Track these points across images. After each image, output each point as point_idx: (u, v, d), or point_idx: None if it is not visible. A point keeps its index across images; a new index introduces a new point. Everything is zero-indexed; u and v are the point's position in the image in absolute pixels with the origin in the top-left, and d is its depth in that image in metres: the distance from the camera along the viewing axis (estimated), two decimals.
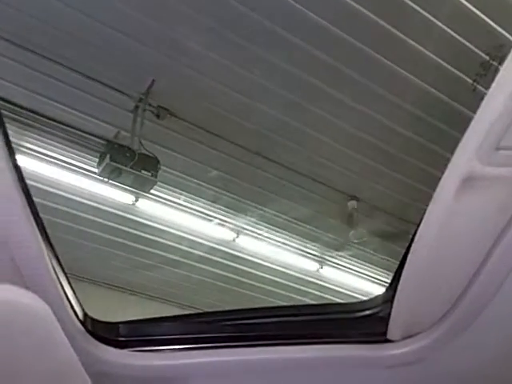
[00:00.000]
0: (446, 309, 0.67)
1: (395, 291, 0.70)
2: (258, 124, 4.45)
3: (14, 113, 4.02)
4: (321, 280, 6.17)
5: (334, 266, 6.05)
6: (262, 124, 4.46)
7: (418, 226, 0.65)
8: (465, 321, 0.66)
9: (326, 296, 6.33)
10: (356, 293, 6.28)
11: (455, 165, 0.60)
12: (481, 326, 0.65)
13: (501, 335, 0.66)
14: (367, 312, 0.78)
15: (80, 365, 0.60)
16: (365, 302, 0.83)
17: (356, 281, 6.16)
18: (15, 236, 0.57)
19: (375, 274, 6.08)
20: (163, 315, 1.06)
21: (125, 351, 0.81)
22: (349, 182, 5.03)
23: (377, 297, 0.80)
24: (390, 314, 0.73)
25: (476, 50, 3.75)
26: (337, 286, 6.24)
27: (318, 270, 6.05)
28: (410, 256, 0.66)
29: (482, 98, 0.58)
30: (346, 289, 6.27)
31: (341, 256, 5.97)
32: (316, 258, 5.95)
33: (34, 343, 0.51)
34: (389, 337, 0.75)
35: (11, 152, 0.62)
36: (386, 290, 0.78)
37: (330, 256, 5.95)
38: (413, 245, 0.66)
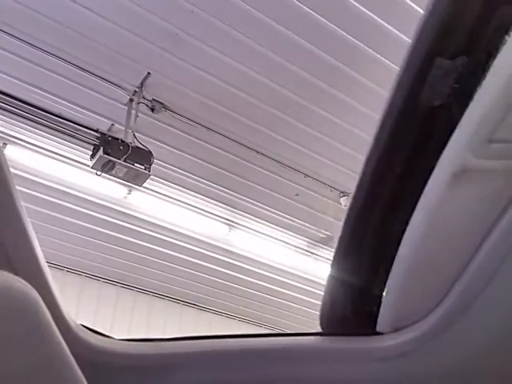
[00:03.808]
0: (436, 301, 0.67)
1: (385, 283, 0.70)
2: (253, 119, 4.45)
3: (7, 103, 4.00)
4: (314, 276, 6.18)
5: (327, 262, 6.06)
6: (257, 119, 4.46)
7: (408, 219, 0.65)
8: (455, 313, 0.66)
9: (320, 292, 6.35)
10: None
11: (447, 157, 0.60)
12: (472, 318, 0.66)
13: (492, 326, 0.66)
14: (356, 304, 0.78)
15: (69, 354, 0.59)
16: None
17: None
18: (3, 221, 0.57)
19: None
20: None
21: (116, 340, 0.81)
22: (342, 177, 5.04)
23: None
24: (379, 306, 0.74)
25: None
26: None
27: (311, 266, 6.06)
28: (400, 248, 0.66)
29: None
30: None
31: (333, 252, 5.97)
32: (308, 253, 5.96)
33: (22, 330, 0.51)
34: (378, 329, 0.75)
35: None
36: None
37: (322, 252, 5.96)
38: (403, 238, 0.66)
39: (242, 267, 5.97)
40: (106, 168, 4.02)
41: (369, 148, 0.67)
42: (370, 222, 0.70)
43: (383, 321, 0.73)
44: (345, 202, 5.17)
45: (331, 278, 0.78)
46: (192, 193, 5.14)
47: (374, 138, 0.65)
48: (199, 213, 5.32)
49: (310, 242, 5.83)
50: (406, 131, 0.62)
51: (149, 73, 4.06)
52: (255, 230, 5.60)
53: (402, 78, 0.59)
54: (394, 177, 0.66)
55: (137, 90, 4.17)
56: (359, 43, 3.81)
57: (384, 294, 0.70)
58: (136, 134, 4.21)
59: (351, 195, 0.70)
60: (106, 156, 3.98)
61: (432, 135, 0.60)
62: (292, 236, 5.74)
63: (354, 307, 0.76)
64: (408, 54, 0.58)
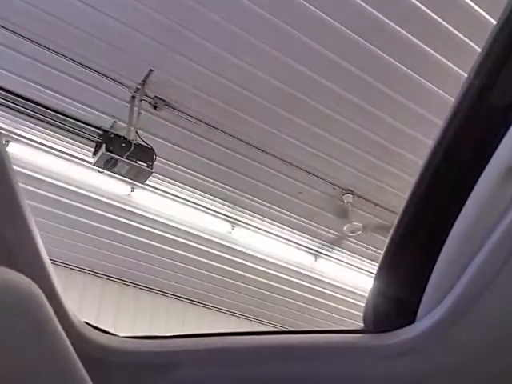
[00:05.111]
0: (439, 297, 0.67)
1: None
2: (255, 117, 4.45)
3: (10, 100, 4.00)
4: (315, 273, 6.18)
5: (328, 260, 6.06)
6: (260, 117, 4.45)
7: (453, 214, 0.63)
8: (456, 312, 0.66)
9: (321, 290, 6.36)
10: (350, 286, 6.31)
11: (500, 154, 0.59)
12: (472, 318, 0.65)
13: (495, 326, 0.66)
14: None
15: (72, 351, 0.59)
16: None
17: (350, 274, 6.17)
18: (6, 218, 0.57)
19: (370, 268, 6.09)
20: None
21: (119, 338, 0.81)
22: (345, 175, 5.03)
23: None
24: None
25: None
26: (331, 279, 6.26)
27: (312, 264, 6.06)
28: (445, 246, 0.65)
29: None
30: (339, 282, 6.30)
31: (335, 249, 5.98)
32: (311, 251, 5.96)
33: (25, 327, 0.51)
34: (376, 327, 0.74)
35: None
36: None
37: (324, 249, 5.96)
38: (450, 234, 0.65)
39: (245, 265, 5.97)
40: (108, 165, 4.02)
41: (429, 152, 0.65)
42: (422, 227, 0.69)
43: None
44: (347, 200, 5.16)
45: (376, 281, 0.77)
46: (195, 190, 5.14)
47: (437, 139, 0.64)
48: (202, 210, 5.32)
49: (312, 240, 5.83)
50: (472, 131, 0.61)
51: (151, 70, 4.06)
52: (258, 228, 5.60)
53: (475, 76, 0.58)
54: (453, 176, 0.64)
55: (139, 87, 4.16)
56: (359, 39, 3.80)
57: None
58: (138, 132, 4.21)
59: (409, 193, 0.69)
60: (108, 153, 3.98)
61: (491, 134, 0.59)
62: (294, 234, 5.73)
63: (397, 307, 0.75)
64: (483, 52, 0.57)
